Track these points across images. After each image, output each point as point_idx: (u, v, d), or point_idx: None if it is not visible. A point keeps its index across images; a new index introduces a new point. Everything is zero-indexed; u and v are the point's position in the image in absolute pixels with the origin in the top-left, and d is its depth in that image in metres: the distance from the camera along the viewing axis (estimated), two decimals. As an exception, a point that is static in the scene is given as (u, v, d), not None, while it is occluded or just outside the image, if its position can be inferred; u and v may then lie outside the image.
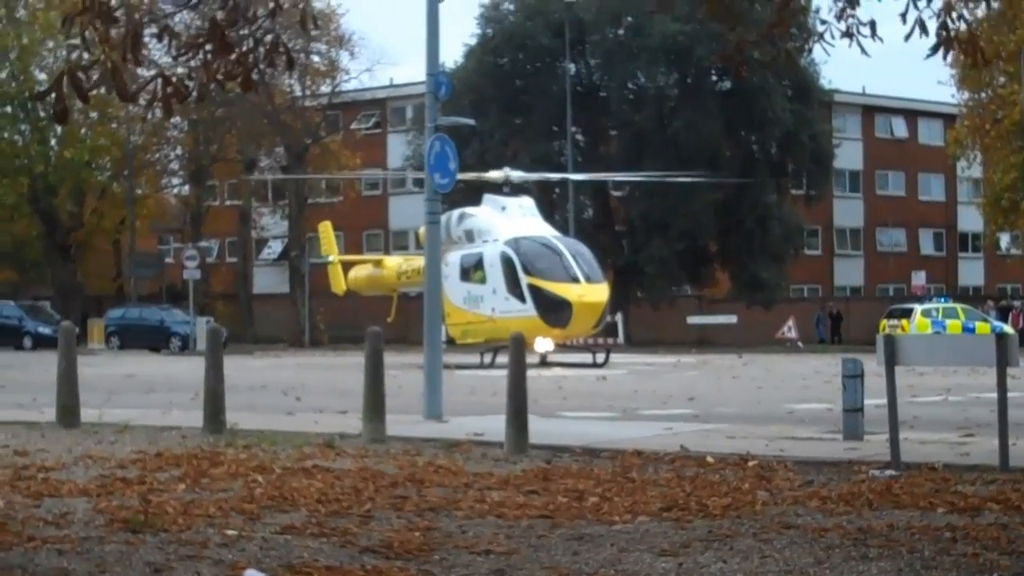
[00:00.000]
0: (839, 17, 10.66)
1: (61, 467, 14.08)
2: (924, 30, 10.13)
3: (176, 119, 76.90)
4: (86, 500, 11.64)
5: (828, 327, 73.50)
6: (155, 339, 65.57)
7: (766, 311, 70.72)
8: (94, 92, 7.58)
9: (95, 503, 11.42)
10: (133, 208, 76.20)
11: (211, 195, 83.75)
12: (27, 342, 66.56)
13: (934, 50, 10.29)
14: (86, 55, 7.51)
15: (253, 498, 11.69)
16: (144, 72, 8.80)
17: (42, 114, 76.68)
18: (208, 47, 7.87)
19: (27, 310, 70.68)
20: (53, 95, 7.27)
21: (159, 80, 7.63)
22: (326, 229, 57.94)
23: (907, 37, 10.17)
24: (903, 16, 10.09)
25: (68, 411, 19.25)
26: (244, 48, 8.03)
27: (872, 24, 10.61)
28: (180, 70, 8.12)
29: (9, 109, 77.74)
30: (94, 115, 77.78)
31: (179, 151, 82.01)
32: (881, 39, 10.52)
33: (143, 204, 79.41)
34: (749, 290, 72.55)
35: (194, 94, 8.02)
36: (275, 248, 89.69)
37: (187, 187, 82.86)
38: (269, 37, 8.18)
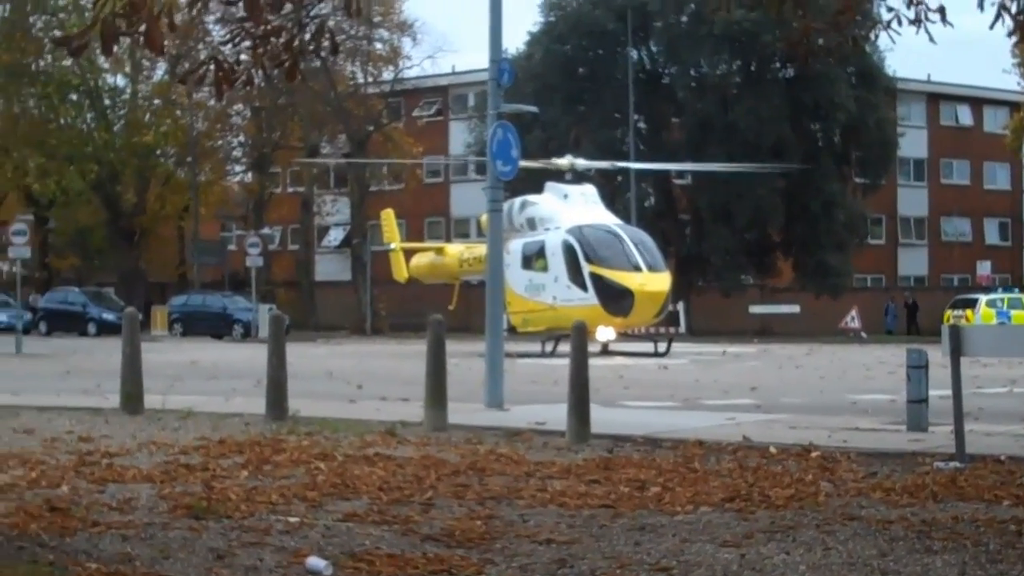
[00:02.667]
0: (908, 3, 10.56)
1: (125, 453, 14.16)
2: (1008, 12, 10.02)
3: (239, 106, 77.33)
4: (149, 486, 11.71)
5: (905, 317, 72.94)
6: (217, 326, 65.89)
7: (833, 299, 70.31)
8: (147, 73, 7.57)
9: (158, 489, 11.48)
10: (196, 195, 76.59)
11: (274, 182, 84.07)
12: (91, 328, 67.10)
13: (1010, 33, 10.17)
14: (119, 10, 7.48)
15: (315, 485, 11.72)
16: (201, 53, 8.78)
17: (107, 101, 77.25)
18: (255, 31, 7.86)
19: (91, 296, 71.22)
20: (76, 41, 7.23)
21: (210, 63, 7.63)
22: (388, 217, 58.03)
23: (992, 25, 10.06)
24: (980, 4, 9.98)
25: (132, 397, 19.35)
26: (287, 35, 8.00)
27: (942, 10, 10.51)
28: (228, 52, 8.11)
29: (75, 97, 78.31)
30: (158, 102, 78.32)
31: (242, 138, 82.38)
32: (951, 24, 10.41)
33: (206, 191, 79.78)
34: (815, 279, 72.17)
35: (242, 80, 8.00)
36: (337, 236, 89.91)
37: (250, 174, 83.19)
38: (315, 22, 8.17)
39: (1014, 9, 10.05)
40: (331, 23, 8.22)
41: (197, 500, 10.63)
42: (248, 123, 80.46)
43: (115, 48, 7.25)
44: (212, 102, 76.34)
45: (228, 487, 11.56)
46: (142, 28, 7.09)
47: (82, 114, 78.70)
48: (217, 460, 13.57)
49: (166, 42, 7.37)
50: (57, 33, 70.04)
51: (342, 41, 68.15)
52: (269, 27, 7.92)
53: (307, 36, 8.27)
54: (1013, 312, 60.35)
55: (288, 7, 7.94)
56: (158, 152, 79.50)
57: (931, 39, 10.68)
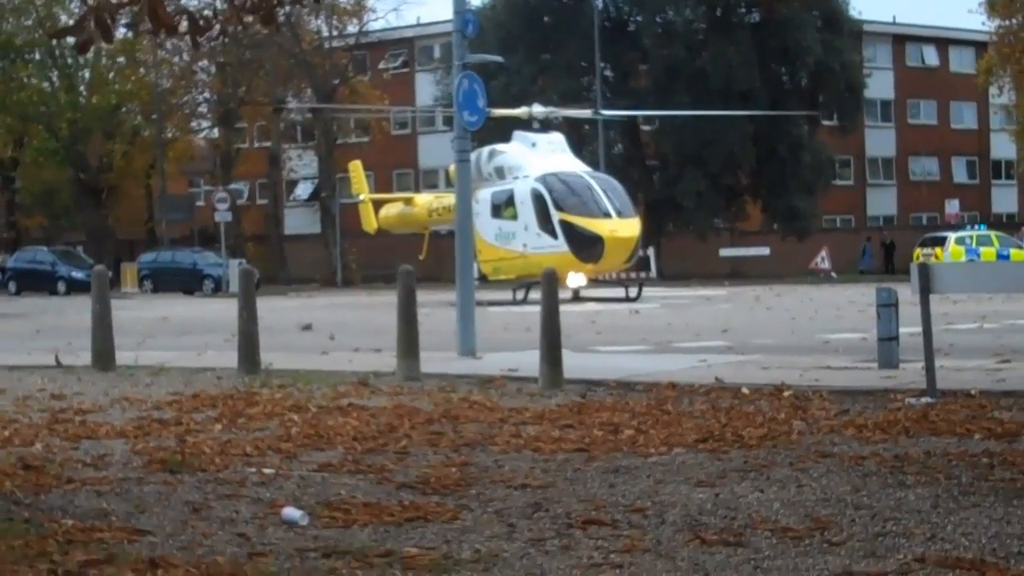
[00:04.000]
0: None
1: (98, 410, 14.14)
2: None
3: (204, 62, 76.96)
4: (123, 442, 11.70)
5: (881, 257, 73.18)
6: (188, 282, 65.73)
7: (800, 242, 70.52)
8: (122, 35, 7.55)
9: (132, 445, 11.47)
10: (163, 152, 76.30)
11: (240, 137, 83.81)
12: (61, 287, 66.87)
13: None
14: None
15: (289, 437, 11.73)
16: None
17: (69, 61, 76.74)
18: None
19: (60, 255, 70.97)
20: (75, 33, 7.22)
21: (184, 16, 7.59)
22: (356, 168, 57.86)
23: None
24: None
25: (103, 355, 19.31)
26: None
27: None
28: (200, 7, 8.08)
29: (37, 55, 77.81)
30: (122, 60, 77.85)
31: (207, 94, 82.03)
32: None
33: (173, 147, 79.50)
34: (783, 221, 72.41)
35: (216, 30, 7.96)
36: (305, 189, 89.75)
37: (216, 130, 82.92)
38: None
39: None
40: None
41: (171, 454, 10.63)
42: (213, 79, 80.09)
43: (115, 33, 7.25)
44: (177, 59, 76.13)
45: (202, 441, 11.56)
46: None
47: (43, 73, 78.13)
48: (190, 414, 13.56)
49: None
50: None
51: (306, -6, 67.85)
52: None
53: None
54: (982, 249, 60.62)
55: None
56: (123, 110, 79.09)
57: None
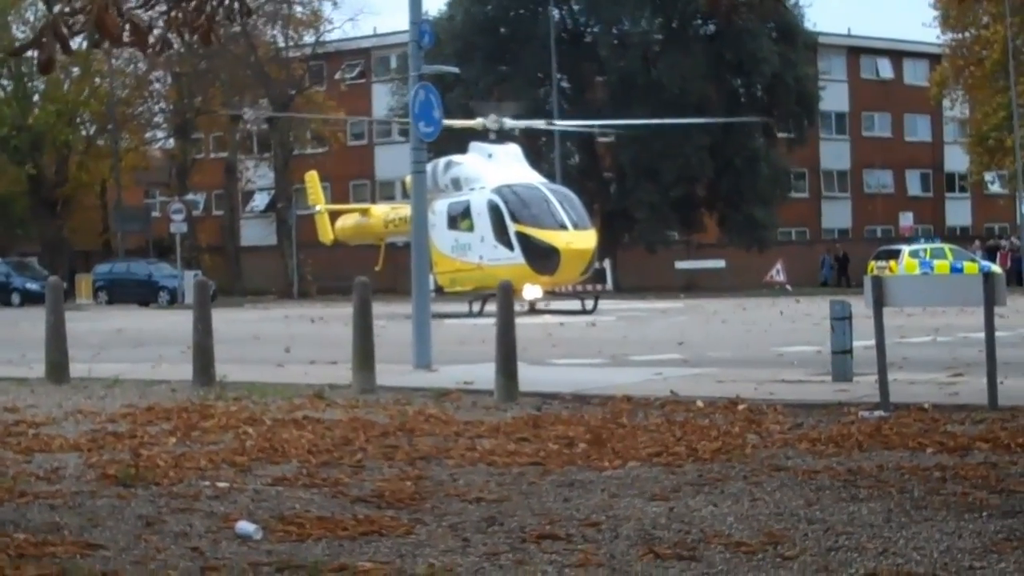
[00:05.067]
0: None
1: (51, 422, 14.07)
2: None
3: (159, 72, 76.71)
4: (77, 455, 11.64)
5: (835, 269, 73.53)
6: (143, 293, 65.47)
7: (759, 253, 70.73)
8: (76, 45, 7.51)
9: (86, 458, 11.42)
10: (118, 162, 75.99)
11: (196, 148, 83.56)
12: (15, 298, 66.43)
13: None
14: (67, 9, 7.45)
15: (244, 450, 11.70)
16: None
17: (23, 70, 76.28)
18: None
19: (14, 266, 70.52)
20: (34, 48, 7.20)
21: (127, 26, 7.56)
22: (312, 179, 57.77)
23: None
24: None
25: (57, 367, 19.21)
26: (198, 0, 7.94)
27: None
28: (145, 19, 8.05)
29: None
30: (76, 70, 77.46)
31: (163, 104, 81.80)
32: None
33: (128, 158, 79.18)
34: (740, 233, 72.59)
35: (159, 43, 7.94)
36: (261, 200, 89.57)
37: (172, 140, 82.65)
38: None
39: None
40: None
41: (125, 468, 10.58)
42: (169, 89, 79.90)
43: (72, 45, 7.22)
44: (131, 68, 75.84)
45: (156, 454, 11.52)
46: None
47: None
48: (144, 427, 13.51)
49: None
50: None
51: (261, 5, 67.76)
52: None
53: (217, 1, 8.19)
54: (935, 262, 60.91)
55: None
56: (77, 120, 78.73)
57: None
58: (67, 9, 7.28)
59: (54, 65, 7.33)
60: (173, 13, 7.86)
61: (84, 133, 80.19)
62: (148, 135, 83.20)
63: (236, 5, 8.13)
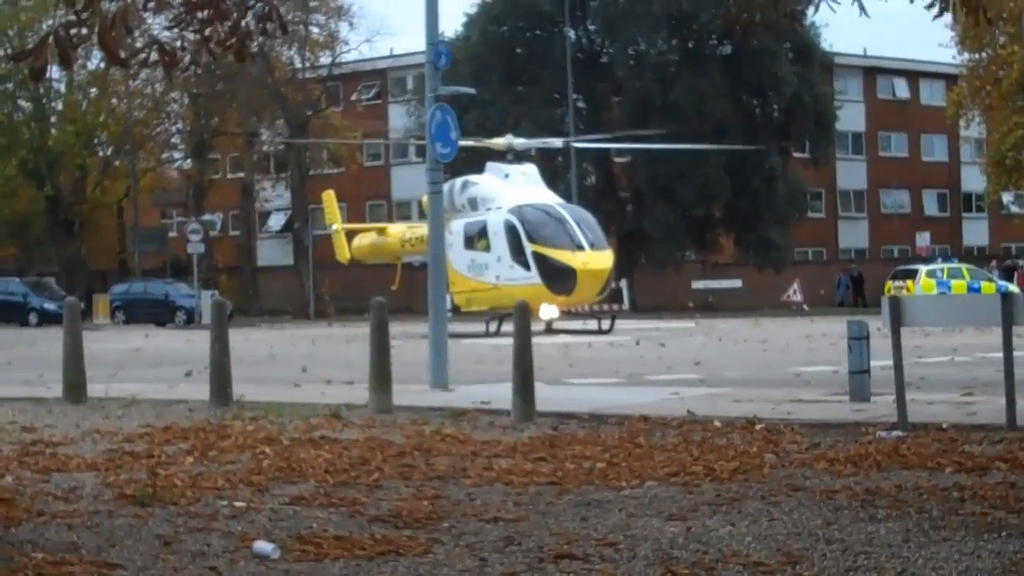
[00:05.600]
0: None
1: (69, 442, 14.09)
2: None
3: (176, 93, 76.93)
4: (94, 475, 11.65)
5: (850, 289, 73.40)
6: (160, 313, 65.55)
7: (777, 274, 70.62)
8: (82, 62, 7.54)
9: (103, 477, 11.43)
10: (136, 182, 76.18)
11: (213, 168, 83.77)
12: (32, 318, 66.49)
13: (939, 11, 10.21)
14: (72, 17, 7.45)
15: (261, 470, 11.71)
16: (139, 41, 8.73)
17: (41, 90, 76.59)
18: (200, 15, 7.83)
19: (32, 286, 70.62)
20: (34, 56, 7.21)
21: (154, 47, 7.58)
22: (330, 198, 57.86)
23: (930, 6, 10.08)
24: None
25: (74, 386, 19.26)
26: (236, 16, 7.97)
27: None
28: (166, 37, 8.07)
29: (10, 86, 77.63)
30: (94, 91, 77.78)
31: (180, 125, 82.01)
32: (886, -1, 10.45)
33: (145, 178, 79.37)
34: (757, 254, 72.50)
35: (187, 61, 7.96)
36: (278, 220, 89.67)
37: (189, 161, 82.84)
38: (260, 5, 8.13)
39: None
40: (260, 4, 8.18)
41: (142, 487, 10.58)
42: (186, 110, 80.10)
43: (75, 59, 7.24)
44: (149, 89, 76.05)
45: (173, 474, 11.53)
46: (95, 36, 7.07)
47: (11, 103, 77.85)
48: (162, 447, 13.52)
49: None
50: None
51: (288, 22, 67.88)
52: (213, 11, 7.88)
53: (251, 18, 8.22)
54: (953, 282, 60.82)
55: None
56: (96, 141, 78.99)
57: (864, 12, 10.72)
58: (71, 17, 7.27)
59: (44, 73, 7.33)
60: (208, 31, 7.87)
61: (101, 154, 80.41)
62: (165, 155, 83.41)
63: (272, 25, 8.15)
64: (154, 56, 7.67)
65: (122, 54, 7.66)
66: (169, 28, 8.14)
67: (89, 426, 15.58)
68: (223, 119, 78.41)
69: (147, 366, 29.11)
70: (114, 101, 78.13)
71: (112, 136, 78.47)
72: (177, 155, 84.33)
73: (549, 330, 43.73)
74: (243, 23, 8.00)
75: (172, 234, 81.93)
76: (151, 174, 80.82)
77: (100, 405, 18.34)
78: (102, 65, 75.10)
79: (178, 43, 8.06)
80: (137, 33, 8.11)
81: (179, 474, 11.49)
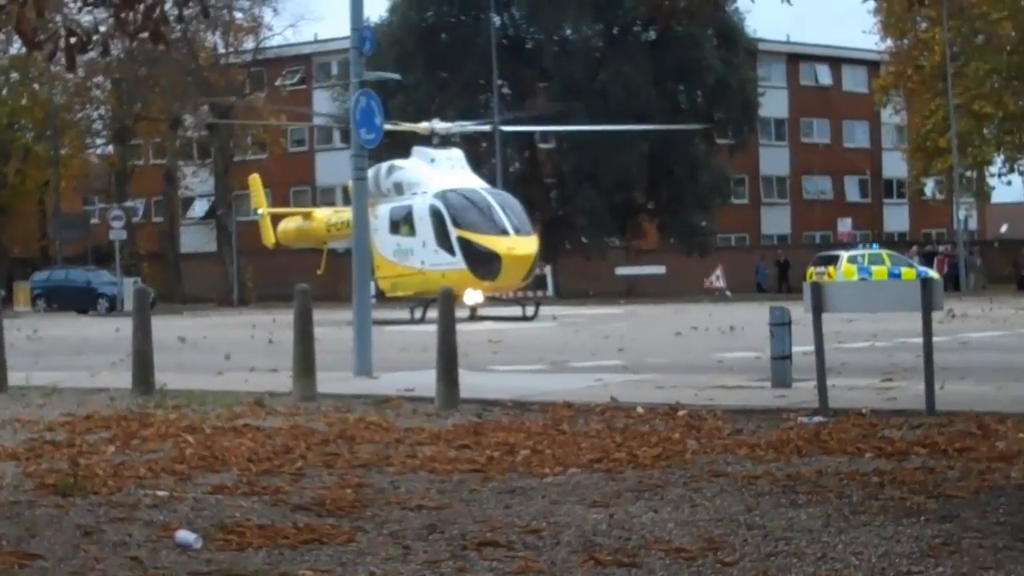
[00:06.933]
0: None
1: (-11, 431, 13.97)
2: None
3: (99, 78, 76.27)
4: (14, 464, 11.55)
5: (776, 275, 73.78)
6: (82, 301, 65.02)
7: (699, 259, 70.94)
8: (2, 46, 7.48)
9: (24, 467, 11.33)
10: (57, 169, 75.51)
11: (136, 155, 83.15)
12: (-47, 307, 65.84)
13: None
14: None
15: (184, 459, 11.64)
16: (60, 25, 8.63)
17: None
18: None
19: (-49, 274, 70.00)
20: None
21: (62, 31, 7.50)
22: (255, 182, 57.59)
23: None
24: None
25: (-5, 375, 19.08)
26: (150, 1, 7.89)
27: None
28: (86, 21, 7.99)
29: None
30: (15, 75, 76.95)
31: (102, 111, 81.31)
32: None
33: (67, 165, 78.68)
34: (680, 239, 72.83)
35: (99, 46, 7.88)
36: (201, 207, 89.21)
37: (111, 147, 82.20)
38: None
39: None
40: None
41: (63, 477, 10.50)
42: (109, 95, 79.44)
43: None
44: (71, 75, 75.32)
45: (95, 463, 11.45)
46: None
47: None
48: (83, 436, 13.42)
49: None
50: None
51: (210, 7, 67.45)
52: None
53: (170, 2, 8.14)
54: (874, 268, 61.33)
55: None
56: (15, 126, 78.19)
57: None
58: None
59: None
60: (124, 15, 7.79)
61: (23, 140, 79.60)
62: (87, 141, 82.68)
63: (190, 8, 8.09)
64: (62, 44, 7.60)
65: (41, 37, 7.59)
66: (82, 10, 8.06)
67: (9, 415, 15.44)
68: (146, 105, 77.84)
69: (69, 354, 28.88)
70: (35, 87, 77.34)
71: (34, 121, 77.72)
72: (99, 141, 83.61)
73: (473, 317, 43.76)
74: (159, 7, 7.92)
75: (94, 221, 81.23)
76: (74, 160, 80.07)
77: (21, 394, 18.19)
78: (23, 50, 74.52)
79: (88, 24, 7.97)
80: (59, 17, 8.05)
81: (101, 463, 11.41)
